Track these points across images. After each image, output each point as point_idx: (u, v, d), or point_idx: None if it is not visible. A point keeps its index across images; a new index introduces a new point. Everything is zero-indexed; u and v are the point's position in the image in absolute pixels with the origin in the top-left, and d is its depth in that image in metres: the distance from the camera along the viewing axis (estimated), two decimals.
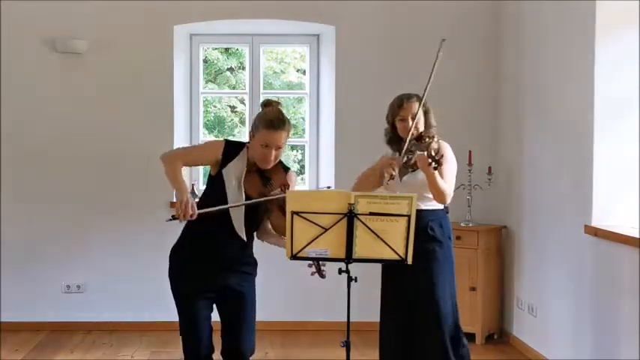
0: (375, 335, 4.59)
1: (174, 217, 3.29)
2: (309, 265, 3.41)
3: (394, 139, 3.96)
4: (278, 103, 3.58)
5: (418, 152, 3.69)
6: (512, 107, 5.51)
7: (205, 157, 3.56)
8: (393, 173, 3.76)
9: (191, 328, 3.49)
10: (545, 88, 4.99)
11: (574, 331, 4.53)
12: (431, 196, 3.82)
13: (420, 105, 3.86)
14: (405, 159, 3.81)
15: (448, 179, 3.81)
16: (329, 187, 4.10)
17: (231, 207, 3.40)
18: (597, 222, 4.27)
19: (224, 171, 3.44)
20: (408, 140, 3.82)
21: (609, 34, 4.25)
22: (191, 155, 3.65)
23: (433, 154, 3.59)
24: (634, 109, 4.22)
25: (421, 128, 3.87)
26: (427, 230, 3.84)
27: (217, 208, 3.37)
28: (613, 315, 4.11)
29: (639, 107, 4.21)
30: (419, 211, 3.76)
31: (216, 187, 3.45)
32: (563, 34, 4.72)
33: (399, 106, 3.89)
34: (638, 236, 3.86)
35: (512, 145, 5.54)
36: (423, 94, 3.86)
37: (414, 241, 3.43)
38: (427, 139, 3.79)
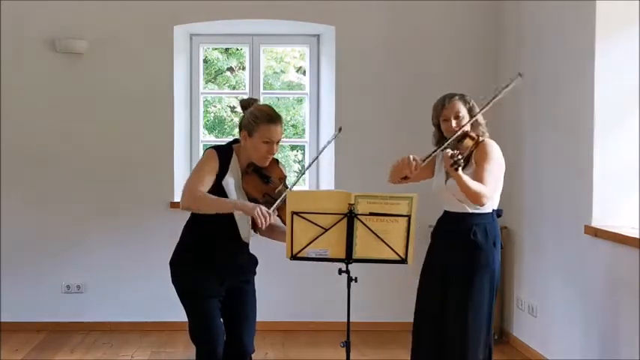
0: (375, 335, 4.64)
1: (255, 229, 3.27)
2: None
3: (441, 140, 3.79)
4: (256, 100, 3.56)
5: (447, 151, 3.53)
6: (512, 108, 5.50)
7: (212, 176, 3.36)
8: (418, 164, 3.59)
9: (206, 326, 3.39)
10: (545, 88, 4.99)
11: (574, 331, 4.53)
12: None
13: (464, 104, 3.74)
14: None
15: (485, 179, 3.59)
16: (340, 130, 3.81)
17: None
18: (597, 222, 4.27)
19: (223, 183, 3.38)
20: (448, 140, 3.65)
21: (609, 34, 4.25)
22: (203, 181, 3.34)
23: (453, 154, 3.44)
24: (634, 109, 4.21)
25: (467, 128, 3.70)
26: (470, 235, 3.65)
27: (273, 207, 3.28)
28: (613, 315, 4.11)
29: (639, 107, 4.21)
30: (464, 215, 3.68)
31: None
32: (563, 34, 4.72)
33: (442, 106, 3.75)
34: (638, 236, 3.86)
35: (512, 145, 5.53)
36: (467, 98, 3.76)
37: (455, 245, 3.39)
38: (467, 139, 3.63)
